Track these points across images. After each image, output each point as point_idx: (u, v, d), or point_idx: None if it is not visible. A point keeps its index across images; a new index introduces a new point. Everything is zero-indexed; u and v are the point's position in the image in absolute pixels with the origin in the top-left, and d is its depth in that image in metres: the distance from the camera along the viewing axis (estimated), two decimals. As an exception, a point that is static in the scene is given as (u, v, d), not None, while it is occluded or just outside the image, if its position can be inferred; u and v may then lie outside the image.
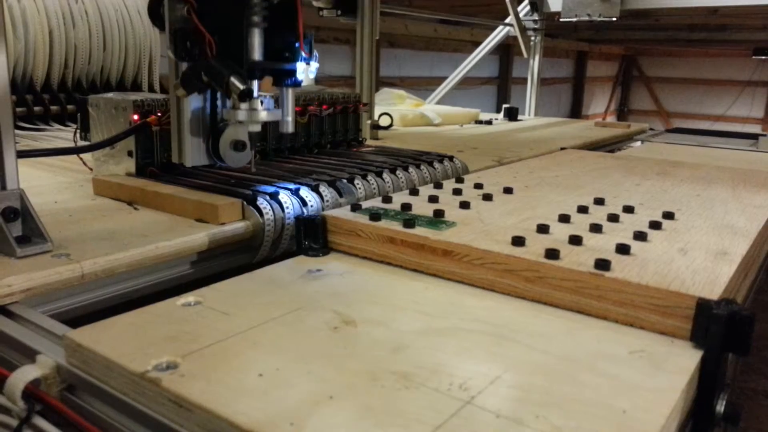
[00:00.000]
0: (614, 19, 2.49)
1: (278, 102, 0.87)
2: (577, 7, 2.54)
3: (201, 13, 0.82)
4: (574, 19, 2.55)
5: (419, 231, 0.69)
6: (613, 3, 2.48)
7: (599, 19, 2.48)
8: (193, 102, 0.87)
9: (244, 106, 0.82)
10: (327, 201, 0.88)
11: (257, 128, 0.85)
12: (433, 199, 0.84)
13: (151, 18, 0.88)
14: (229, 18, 0.82)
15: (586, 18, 2.51)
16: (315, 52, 0.87)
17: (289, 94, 0.86)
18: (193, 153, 0.89)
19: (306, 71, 0.86)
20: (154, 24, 0.87)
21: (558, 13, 2.92)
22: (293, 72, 0.85)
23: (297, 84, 0.86)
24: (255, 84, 0.82)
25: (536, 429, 0.39)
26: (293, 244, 0.81)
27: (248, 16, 0.82)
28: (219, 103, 0.90)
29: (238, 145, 0.89)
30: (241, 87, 0.79)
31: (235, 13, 0.82)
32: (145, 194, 0.87)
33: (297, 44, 0.83)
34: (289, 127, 0.87)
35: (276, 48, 0.84)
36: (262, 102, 0.82)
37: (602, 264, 0.58)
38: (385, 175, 1.00)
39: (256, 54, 0.83)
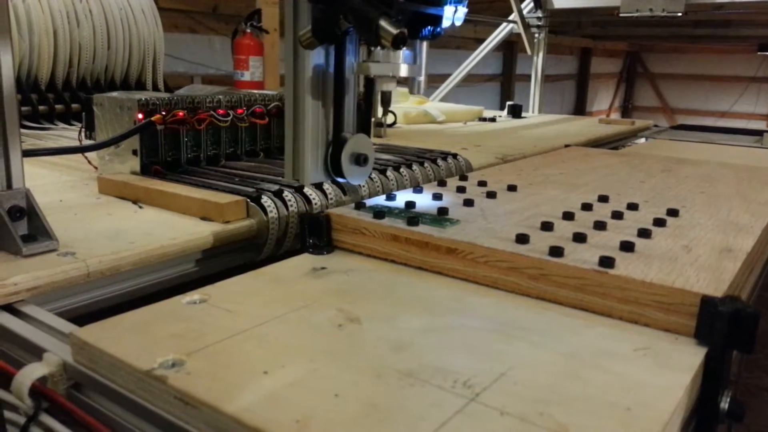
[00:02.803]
0: (679, 14, 2.43)
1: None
2: (639, 1, 2.47)
3: None
4: (635, 14, 2.48)
5: (423, 229, 0.69)
6: (678, -1, 2.38)
7: (662, 14, 2.42)
8: (313, 108, 0.77)
9: (381, 58, 0.69)
10: (331, 199, 0.88)
11: (393, 86, 0.75)
12: (436, 196, 0.84)
13: None
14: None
15: (648, 13, 2.45)
16: None
17: (424, 48, 0.74)
18: (311, 170, 0.78)
19: (454, 16, 0.72)
20: None
21: (561, 10, 2.92)
22: (439, 19, 0.72)
23: (437, 35, 0.73)
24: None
25: (540, 426, 0.39)
26: (297, 242, 0.82)
27: None
28: (345, 108, 0.77)
29: (359, 159, 0.80)
30: (394, 31, 0.64)
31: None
32: (150, 193, 0.87)
33: None
34: (421, 89, 0.76)
35: None
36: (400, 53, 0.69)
37: (606, 261, 0.58)
38: (388, 173, 1.00)
39: None
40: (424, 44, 0.73)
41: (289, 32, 0.73)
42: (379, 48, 0.70)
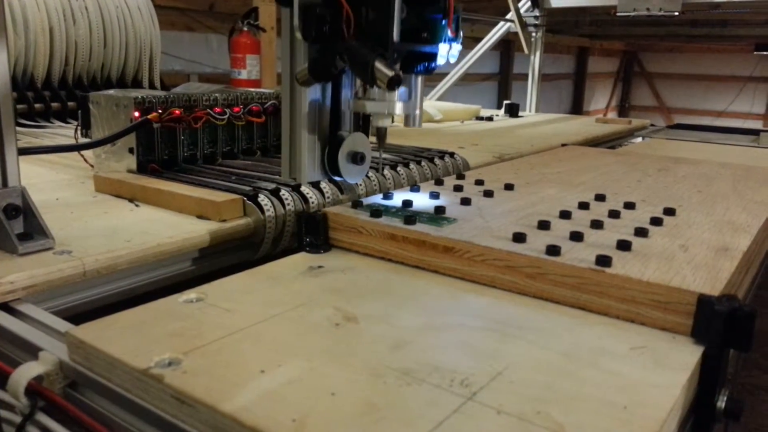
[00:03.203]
0: (676, 14, 2.43)
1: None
2: (636, 1, 2.47)
3: None
4: (632, 14, 2.48)
5: (420, 228, 0.69)
6: (675, -3, 2.36)
7: (659, 14, 2.42)
8: (310, 107, 0.77)
9: (376, 96, 0.71)
10: (328, 197, 0.88)
11: (388, 123, 0.75)
12: (434, 195, 0.84)
13: None
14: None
15: (645, 13, 2.45)
16: (461, 31, 0.74)
17: (419, 82, 0.75)
18: (308, 168, 0.78)
19: (448, 54, 0.73)
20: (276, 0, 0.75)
21: (558, 9, 2.92)
22: (434, 56, 0.72)
23: (431, 70, 0.74)
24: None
25: (537, 425, 0.39)
26: (294, 241, 0.82)
27: None
28: (341, 105, 0.77)
29: (356, 158, 0.79)
30: (390, 73, 0.65)
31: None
32: (147, 191, 0.87)
33: (444, 21, 0.70)
34: (417, 122, 0.76)
35: (412, 26, 0.70)
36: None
37: (603, 260, 0.58)
38: (385, 172, 1.00)
39: (396, 33, 0.68)
40: (420, 79, 0.74)
41: (285, 69, 0.75)
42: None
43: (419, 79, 0.75)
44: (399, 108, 0.72)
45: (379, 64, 0.66)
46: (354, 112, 0.78)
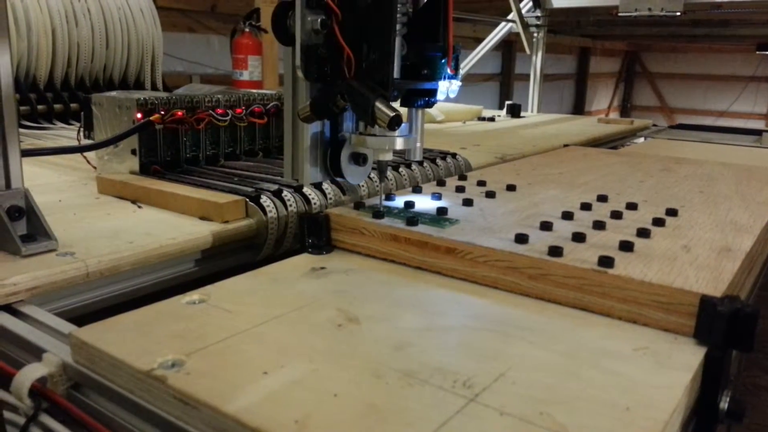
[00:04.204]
0: (678, 14, 2.43)
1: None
2: (637, 1, 2.46)
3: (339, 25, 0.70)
4: (634, 14, 2.48)
5: (422, 229, 0.69)
6: (677, -3, 2.36)
7: (661, 14, 2.41)
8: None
9: (377, 131, 0.72)
10: (330, 199, 0.88)
11: (389, 157, 0.76)
12: (436, 196, 0.84)
13: (275, 32, 0.75)
14: (368, 31, 0.70)
15: (647, 13, 2.44)
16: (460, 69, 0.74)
17: (419, 116, 0.76)
18: (311, 169, 0.79)
19: (448, 90, 0.75)
20: (277, 38, 0.75)
21: (560, 9, 2.91)
22: (434, 92, 0.74)
23: (431, 104, 0.75)
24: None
25: (540, 426, 0.39)
26: (296, 242, 0.82)
27: (395, 27, 0.68)
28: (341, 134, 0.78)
29: (358, 159, 0.80)
30: (390, 114, 0.67)
31: (377, 24, 0.69)
32: (149, 192, 0.87)
33: (443, 59, 0.71)
34: (418, 155, 0.77)
35: (412, 62, 0.71)
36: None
37: (606, 261, 0.58)
38: (388, 173, 1.00)
39: (396, 71, 0.70)
40: (420, 112, 0.75)
41: (288, 106, 0.77)
42: None
43: (420, 112, 0.75)
44: (400, 143, 0.74)
45: (380, 105, 0.67)
46: (355, 147, 0.79)
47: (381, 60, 0.69)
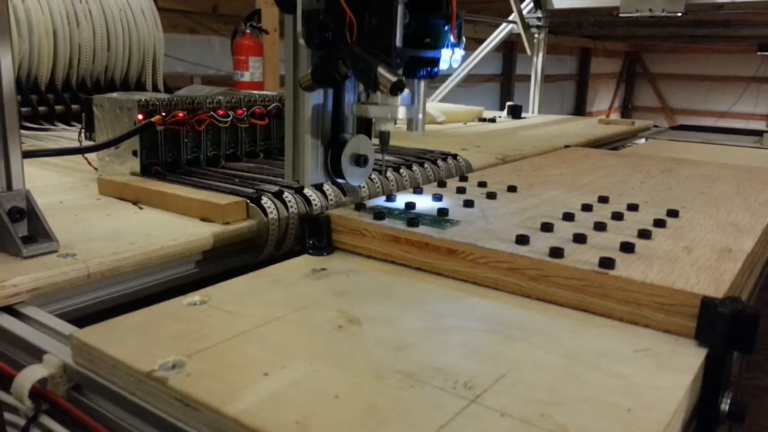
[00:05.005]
0: (679, 14, 2.43)
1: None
2: (638, 1, 2.46)
3: None
4: (635, 15, 2.47)
5: (423, 230, 0.69)
6: (678, -2, 2.35)
7: (662, 14, 2.41)
8: (313, 110, 0.77)
9: (379, 100, 0.71)
10: (331, 200, 0.88)
11: (391, 127, 0.76)
12: (436, 197, 0.84)
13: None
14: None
15: (648, 14, 2.44)
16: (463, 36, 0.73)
17: (422, 87, 0.75)
18: (311, 171, 0.78)
19: (451, 59, 0.74)
20: (278, 5, 0.74)
21: (561, 10, 2.91)
22: (437, 61, 0.72)
23: (434, 75, 0.74)
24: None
25: (541, 427, 0.39)
26: (297, 243, 0.82)
27: None
28: (343, 109, 0.78)
29: (359, 160, 0.79)
30: (393, 79, 0.66)
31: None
32: (150, 194, 0.87)
33: (446, 27, 0.70)
34: (420, 127, 0.77)
35: (414, 31, 0.70)
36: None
37: (606, 262, 0.58)
38: (388, 174, 1.00)
39: (398, 39, 0.69)
40: (422, 83, 0.74)
41: (288, 74, 0.75)
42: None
43: (422, 83, 0.75)
44: (402, 112, 0.73)
45: (382, 70, 0.66)
46: (357, 116, 0.79)
47: (383, 25, 0.68)
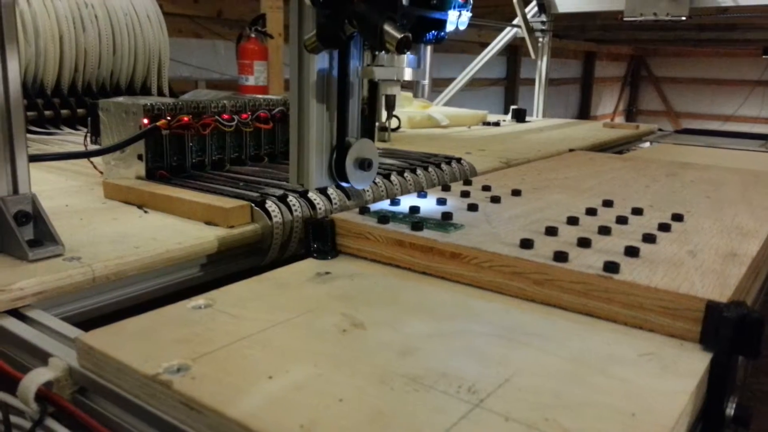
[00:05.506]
0: (683, 18, 2.42)
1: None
2: (643, 6, 2.45)
3: None
4: (640, 18, 2.47)
5: (427, 234, 0.69)
6: (682, 2, 2.35)
7: (666, 18, 2.41)
8: (318, 114, 0.77)
9: (385, 62, 0.70)
10: (335, 203, 0.88)
11: (397, 90, 0.75)
12: (441, 201, 0.84)
13: None
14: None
15: (652, 17, 2.44)
16: None
17: (428, 52, 0.76)
18: (316, 174, 0.78)
19: (458, 21, 0.72)
20: None
21: (565, 14, 2.91)
22: (443, 23, 0.71)
23: (440, 39, 0.72)
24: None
25: (545, 432, 0.39)
26: (302, 247, 0.82)
27: None
28: (349, 113, 0.78)
29: (364, 164, 0.79)
30: (399, 35, 0.65)
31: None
32: (155, 197, 0.88)
33: None
34: (426, 93, 0.77)
35: None
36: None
37: (611, 266, 0.58)
38: (392, 178, 1.00)
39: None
40: (428, 48, 0.75)
41: (294, 36, 0.74)
42: (383, 52, 0.71)
43: (428, 49, 0.75)
44: (408, 74, 0.72)
45: (388, 27, 0.65)
46: (362, 79, 0.77)
47: None
